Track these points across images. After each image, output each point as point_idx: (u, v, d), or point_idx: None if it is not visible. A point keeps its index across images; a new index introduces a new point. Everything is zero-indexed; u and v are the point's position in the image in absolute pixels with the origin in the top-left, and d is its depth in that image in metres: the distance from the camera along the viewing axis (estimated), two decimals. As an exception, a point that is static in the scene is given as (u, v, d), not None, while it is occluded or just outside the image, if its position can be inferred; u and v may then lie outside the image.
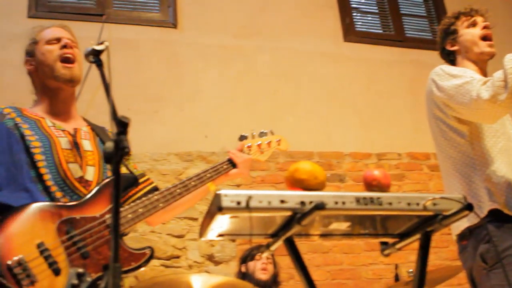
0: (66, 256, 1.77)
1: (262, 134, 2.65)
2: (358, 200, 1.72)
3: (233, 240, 4.60)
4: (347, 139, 5.42)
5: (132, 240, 3.67)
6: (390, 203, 1.74)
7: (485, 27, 2.80)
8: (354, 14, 6.31)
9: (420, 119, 5.09)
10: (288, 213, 1.65)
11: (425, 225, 1.85)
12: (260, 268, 3.95)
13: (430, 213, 1.79)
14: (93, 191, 1.98)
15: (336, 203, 1.68)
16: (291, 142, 4.97)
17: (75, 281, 1.72)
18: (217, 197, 1.59)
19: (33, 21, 5.11)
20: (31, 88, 2.28)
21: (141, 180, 2.31)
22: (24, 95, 2.31)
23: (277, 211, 1.64)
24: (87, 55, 2.01)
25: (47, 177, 1.97)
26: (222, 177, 2.39)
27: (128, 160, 2.32)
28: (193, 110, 5.16)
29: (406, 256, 4.77)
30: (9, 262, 1.66)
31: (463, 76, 2.55)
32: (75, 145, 2.11)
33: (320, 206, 1.57)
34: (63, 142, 2.07)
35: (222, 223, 1.70)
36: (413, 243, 1.93)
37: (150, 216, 2.06)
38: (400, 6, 6.56)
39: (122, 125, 1.50)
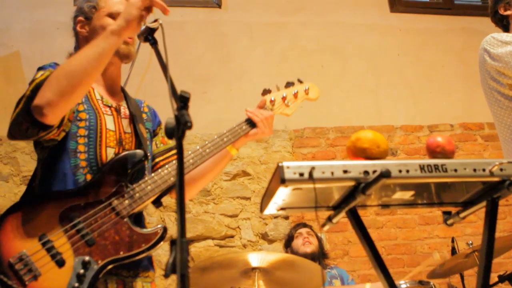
0: (70, 245, 1.70)
1: (288, 85, 2.38)
2: (422, 167, 1.67)
3: (287, 218, 4.60)
4: (398, 112, 5.32)
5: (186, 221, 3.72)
6: (455, 170, 1.69)
7: None
8: (400, -17, 6.16)
9: (472, 88, 4.98)
10: (352, 183, 1.62)
11: (491, 192, 1.79)
12: (302, 243, 3.96)
13: (497, 179, 1.73)
14: (99, 174, 1.88)
15: (400, 171, 1.64)
16: (340, 117, 4.98)
17: (81, 270, 1.67)
18: (279, 169, 1.57)
19: (80, 8, 5.18)
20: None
21: (171, 153, 2.20)
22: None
23: (340, 181, 1.61)
24: (140, 35, 1.98)
25: (83, 156, 1.90)
26: (242, 139, 2.20)
27: (157, 135, 2.23)
28: (241, 89, 5.15)
29: (462, 229, 4.70)
30: (11, 259, 1.63)
31: None
32: (118, 126, 2.04)
33: (386, 174, 1.53)
34: (109, 121, 2.00)
35: (284, 195, 1.68)
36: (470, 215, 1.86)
37: (161, 192, 1.94)
38: (448, -28, 6.37)
39: (183, 100, 1.49)
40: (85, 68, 1.78)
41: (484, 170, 1.70)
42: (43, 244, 1.69)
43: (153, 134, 2.21)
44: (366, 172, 1.60)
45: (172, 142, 2.24)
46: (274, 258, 3.03)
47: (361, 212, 1.80)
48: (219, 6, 5.46)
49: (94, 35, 2.02)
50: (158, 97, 2.56)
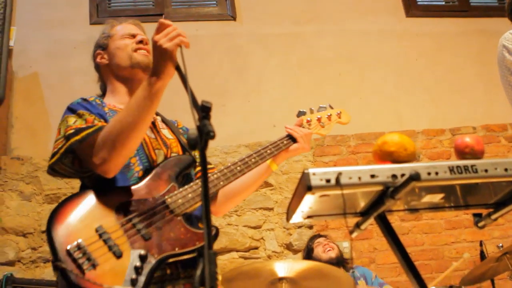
0: (126, 238, 1.73)
1: (321, 109, 2.54)
2: (451, 169, 1.63)
3: (311, 227, 4.56)
4: (418, 116, 5.27)
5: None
6: (486, 170, 1.65)
7: None
8: (414, -12, 6.13)
9: (493, 89, 4.92)
10: (380, 188, 1.59)
11: (522, 192, 1.74)
12: (323, 250, 3.99)
13: (530, 178, 1.68)
14: (152, 174, 1.95)
15: (429, 173, 1.60)
16: (360, 124, 4.93)
17: (138, 263, 1.68)
18: (305, 176, 1.54)
19: (96, 27, 5.20)
20: (98, 81, 2.29)
21: (212, 165, 2.29)
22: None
23: (368, 186, 1.58)
24: None
25: (134, 160, 1.97)
26: (283, 154, 2.29)
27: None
28: (259, 100, 5.15)
29: (490, 232, 4.63)
30: (69, 247, 1.65)
31: None
32: (157, 134, 2.13)
33: (415, 177, 1.49)
34: (148, 131, 2.07)
35: (310, 203, 1.65)
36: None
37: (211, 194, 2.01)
38: (462, -26, 6.33)
39: (204, 110, 1.48)
40: (135, 127, 1.83)
41: (516, 170, 1.66)
42: (100, 235, 1.71)
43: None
44: (394, 176, 1.57)
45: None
46: (301, 267, 3.00)
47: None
48: (234, 18, 5.47)
49: (114, 59, 2.18)
50: (176, 111, 2.57)
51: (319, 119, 2.47)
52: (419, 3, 6.04)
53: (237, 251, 4.43)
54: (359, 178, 1.56)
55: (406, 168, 1.58)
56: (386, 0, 5.90)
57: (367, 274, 3.98)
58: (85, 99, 2.06)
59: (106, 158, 1.80)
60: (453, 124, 5.22)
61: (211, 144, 4.62)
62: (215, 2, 5.59)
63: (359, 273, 3.99)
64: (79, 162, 1.91)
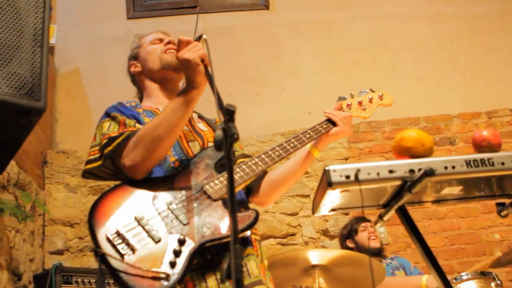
0: (164, 224, 1.79)
1: (362, 93, 2.48)
2: (468, 162, 1.68)
3: (347, 214, 4.62)
4: (454, 99, 5.25)
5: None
6: (503, 163, 1.69)
7: None
8: (449, -31, 6.05)
9: (531, 69, 4.87)
10: (398, 182, 1.66)
11: (544, 183, 1.78)
12: (368, 237, 3.98)
13: (548, 170, 1.72)
14: (189, 163, 2.02)
15: (446, 168, 1.66)
16: (395, 109, 4.93)
17: (177, 247, 1.73)
18: (326, 173, 1.62)
19: (133, 22, 5.37)
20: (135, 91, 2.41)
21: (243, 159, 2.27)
22: (133, 94, 2.45)
23: (386, 181, 1.65)
24: None
25: (169, 153, 2.05)
26: (323, 138, 2.24)
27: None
28: (294, 88, 5.21)
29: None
30: (108, 234, 1.74)
31: None
32: (192, 127, 2.21)
33: (429, 173, 1.56)
34: None
35: (333, 197, 1.73)
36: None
37: (250, 180, 2.03)
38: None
39: (229, 113, 1.56)
40: (169, 134, 1.93)
41: (533, 161, 1.71)
42: (139, 222, 1.78)
43: None
44: (411, 171, 1.63)
45: (248, 152, 2.37)
46: (334, 255, 3.08)
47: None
48: (267, 7, 5.54)
49: (146, 65, 2.29)
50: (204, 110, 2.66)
51: (360, 103, 2.42)
52: (453, -17, 5.96)
53: (275, 237, 4.53)
54: (378, 173, 1.63)
55: (423, 163, 1.65)
56: (419, -18, 5.85)
57: (406, 264, 3.99)
58: (120, 103, 2.17)
59: (137, 160, 1.90)
60: (490, 107, 5.17)
61: (247, 133, 4.77)
62: (249, -9, 5.66)
63: (398, 263, 4.01)
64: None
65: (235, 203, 1.36)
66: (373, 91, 2.51)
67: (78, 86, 5.13)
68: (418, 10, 5.71)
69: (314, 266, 3.04)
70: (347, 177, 1.62)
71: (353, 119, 2.39)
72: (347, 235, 4.07)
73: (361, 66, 5.34)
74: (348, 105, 2.40)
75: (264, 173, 2.27)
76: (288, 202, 4.62)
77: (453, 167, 1.67)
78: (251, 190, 2.25)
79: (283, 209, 4.61)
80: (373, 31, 5.54)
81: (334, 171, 1.62)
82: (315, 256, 3.02)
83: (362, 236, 3.99)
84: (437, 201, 1.93)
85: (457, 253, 4.55)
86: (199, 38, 2.03)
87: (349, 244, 4.04)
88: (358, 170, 1.62)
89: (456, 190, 1.80)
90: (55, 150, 4.76)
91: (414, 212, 4.55)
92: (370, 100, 2.46)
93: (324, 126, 2.26)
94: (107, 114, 2.10)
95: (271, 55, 5.36)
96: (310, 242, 4.54)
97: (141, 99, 2.35)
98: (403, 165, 1.64)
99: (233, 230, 1.31)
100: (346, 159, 4.82)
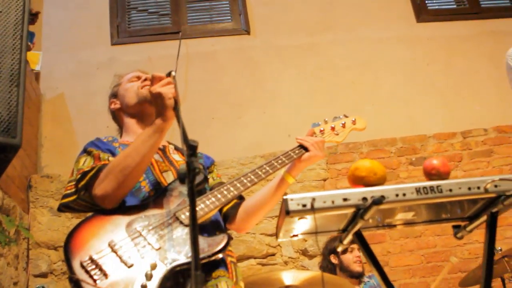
0: (137, 249, 1.88)
1: (335, 119, 2.53)
2: (418, 190, 1.80)
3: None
4: (430, 120, 5.39)
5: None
6: (451, 190, 1.81)
7: None
8: (425, -8, 6.25)
9: (505, 90, 4.98)
10: (352, 210, 1.77)
11: (490, 207, 1.90)
12: (354, 260, 4.02)
13: (493, 195, 1.84)
14: (163, 192, 2.10)
15: (397, 195, 1.77)
16: (372, 131, 5.06)
17: (149, 272, 1.81)
18: (284, 201, 1.73)
19: (117, 48, 5.50)
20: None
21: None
22: (115, 120, 2.54)
23: (341, 209, 1.76)
24: None
25: (144, 183, 2.15)
26: (297, 164, 2.31)
27: (213, 171, 2.47)
28: (275, 111, 5.33)
29: (502, 232, 4.72)
30: (82, 260, 1.82)
31: None
32: (166, 158, 2.32)
33: (377, 201, 1.68)
34: (156, 156, 2.26)
35: (292, 224, 1.83)
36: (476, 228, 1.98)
37: (222, 205, 2.11)
38: (473, -24, 6.41)
39: (191, 148, 1.66)
40: (138, 163, 2.03)
41: (478, 188, 1.82)
42: (112, 248, 1.86)
43: (208, 170, 2.43)
44: (364, 199, 1.75)
45: (228, 175, 2.47)
46: (307, 276, 3.17)
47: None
48: (248, 32, 5.68)
49: (124, 101, 2.40)
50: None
51: (333, 128, 2.47)
52: (429, 7, 6.14)
53: (255, 258, 4.62)
54: (333, 201, 1.74)
55: (376, 191, 1.77)
56: (397, 7, 6.02)
57: None
58: (98, 138, 2.30)
59: (108, 190, 1.99)
60: (465, 127, 5.31)
61: (228, 156, 4.87)
62: (230, 17, 5.80)
63: (375, 282, 4.04)
64: None
65: (197, 232, 1.46)
66: (346, 116, 2.56)
67: (63, 111, 5.23)
68: (396, 33, 5.87)
69: (288, 287, 3.14)
70: (304, 205, 1.73)
71: (327, 144, 2.47)
72: (333, 250, 4.08)
73: (341, 89, 5.48)
74: (321, 131, 2.46)
75: (241, 200, 2.37)
76: (268, 223, 4.72)
77: (404, 195, 1.78)
78: (228, 217, 2.34)
79: (263, 230, 4.70)
80: (352, 55, 5.69)
81: (292, 200, 1.73)
82: (289, 277, 3.11)
83: (348, 257, 4.02)
84: (393, 225, 2.05)
85: (433, 271, 4.65)
86: (168, 75, 2.14)
87: (333, 259, 4.08)
88: (314, 199, 1.73)
89: (408, 215, 1.92)
90: (39, 175, 4.84)
91: (391, 231, 4.67)
92: (343, 125, 2.51)
93: (297, 151, 2.32)
94: (84, 150, 2.22)
95: (252, 79, 5.49)
96: (290, 262, 4.63)
97: (121, 135, 2.45)
98: (356, 193, 1.76)
99: (193, 258, 1.39)
100: (325, 180, 4.93)
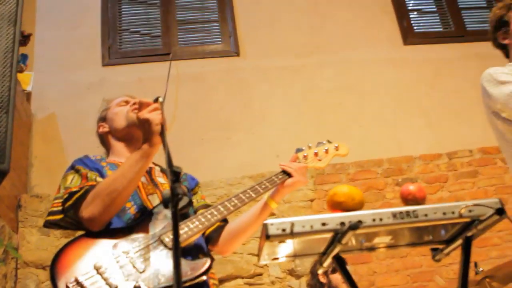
0: (121, 272, 1.92)
1: (319, 144, 2.60)
2: (394, 215, 1.86)
3: (312, 253, 4.74)
4: (416, 142, 5.47)
5: (215, 262, 3.93)
6: (426, 215, 1.87)
7: None
8: (412, 16, 6.35)
9: (489, 112, 5.10)
10: (331, 234, 1.83)
11: (465, 231, 1.97)
12: (343, 280, 4.03)
13: (467, 220, 1.91)
14: (148, 215, 2.15)
15: (374, 220, 1.84)
16: (359, 152, 5.16)
17: None
18: (264, 226, 1.79)
19: (108, 69, 5.57)
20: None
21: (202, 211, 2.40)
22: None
23: (319, 233, 1.82)
24: None
25: (130, 205, 2.21)
26: (280, 189, 2.39)
27: (197, 193, 2.53)
28: (263, 132, 5.40)
29: (487, 252, 4.78)
30: (68, 282, 1.86)
31: (511, 82, 2.57)
32: (152, 181, 2.37)
33: (354, 227, 1.74)
34: (142, 179, 2.31)
35: (273, 248, 1.89)
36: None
37: (205, 231, 2.19)
38: (459, 0, 6.53)
39: (175, 174, 1.73)
40: (125, 187, 2.08)
41: (453, 212, 1.89)
42: (97, 270, 1.90)
43: (192, 192, 2.49)
44: (342, 224, 1.81)
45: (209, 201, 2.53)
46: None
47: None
48: (238, 54, 5.77)
49: (112, 125, 2.47)
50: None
51: (316, 154, 2.53)
52: (416, 30, 6.26)
53: (242, 277, 4.65)
54: (311, 226, 1.81)
55: (353, 216, 1.83)
56: (384, 30, 6.13)
57: None
58: (86, 156, 2.36)
59: (95, 213, 2.04)
60: (450, 148, 5.39)
61: (216, 176, 4.92)
62: (219, 39, 5.89)
63: None
64: None
65: (179, 256, 1.52)
66: (330, 142, 2.63)
67: (54, 131, 5.28)
68: (383, 56, 5.97)
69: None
70: (283, 230, 1.79)
71: (311, 169, 2.55)
72: (323, 273, 4.09)
73: (328, 110, 5.56)
74: (304, 156, 2.52)
75: (224, 223, 2.42)
76: (255, 243, 4.75)
77: (381, 219, 1.84)
78: (211, 239, 2.40)
79: (251, 250, 4.74)
80: (339, 76, 5.79)
81: (272, 224, 1.79)
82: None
83: (337, 278, 4.03)
84: (372, 249, 2.11)
85: (419, 291, 4.71)
86: (156, 100, 2.20)
87: (321, 278, 4.08)
88: (293, 224, 1.79)
89: (386, 239, 1.98)
90: (29, 194, 4.87)
91: (378, 252, 4.70)
92: (326, 151, 2.57)
93: (280, 177, 2.39)
94: (72, 167, 2.27)
95: (241, 100, 5.56)
96: (277, 282, 4.67)
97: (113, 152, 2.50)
98: (334, 218, 1.81)
99: (175, 282, 1.46)
100: (312, 200, 4.99)
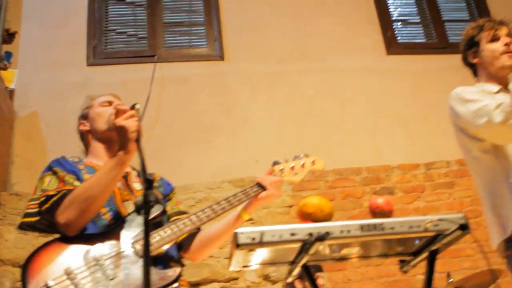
0: (92, 278, 1.95)
1: (296, 158, 2.61)
2: (362, 227, 1.91)
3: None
4: (395, 151, 5.54)
5: (192, 266, 3.97)
6: (393, 228, 1.93)
7: (506, 44, 2.81)
8: (395, 26, 6.44)
9: (467, 125, 5.18)
10: (299, 244, 1.88)
11: (430, 245, 2.03)
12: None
13: (432, 234, 1.97)
14: (122, 221, 2.17)
15: (342, 231, 1.89)
16: (339, 160, 5.22)
17: None
18: (235, 234, 1.84)
19: (93, 69, 5.58)
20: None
21: (177, 217, 2.45)
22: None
23: (288, 243, 1.86)
24: None
25: (105, 210, 2.23)
26: (253, 202, 2.42)
27: (171, 199, 2.57)
28: (245, 137, 5.44)
29: (460, 263, 4.85)
30: (38, 286, 1.90)
31: (477, 100, 2.63)
32: (128, 187, 2.40)
33: (321, 238, 1.79)
34: (118, 184, 2.33)
35: (243, 256, 1.94)
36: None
37: (177, 239, 2.22)
38: (442, 13, 6.64)
39: (148, 182, 1.77)
40: (100, 193, 2.11)
41: (419, 226, 1.95)
42: (68, 275, 1.93)
43: (166, 198, 2.53)
44: (310, 234, 1.86)
45: (183, 207, 2.57)
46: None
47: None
48: (222, 58, 5.81)
49: (93, 124, 2.48)
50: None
51: (292, 167, 2.55)
52: (399, 41, 6.34)
53: (218, 281, 4.68)
54: (281, 236, 1.86)
55: (322, 227, 1.88)
56: (368, 39, 6.21)
57: None
58: (63, 157, 2.38)
59: (71, 218, 2.07)
60: (428, 159, 5.47)
61: (196, 180, 4.95)
62: (205, 43, 5.93)
63: None
64: None
65: (149, 265, 1.56)
66: (307, 156, 2.65)
67: (36, 129, 5.29)
68: (366, 64, 6.05)
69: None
70: (253, 239, 1.84)
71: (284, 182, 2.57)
72: (300, 276, 4.18)
73: (310, 117, 5.61)
74: (280, 170, 2.55)
75: (197, 230, 2.45)
76: (233, 248, 4.79)
77: (349, 231, 1.90)
78: (183, 246, 2.44)
79: (227, 254, 4.69)
80: (322, 84, 5.84)
81: (242, 233, 1.83)
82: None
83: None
84: (341, 259, 2.16)
85: (393, 299, 4.77)
86: (133, 107, 2.23)
87: (298, 285, 4.13)
88: (262, 233, 1.84)
89: (354, 251, 2.04)
90: (9, 192, 4.87)
91: (354, 260, 4.76)
92: (303, 165, 2.59)
93: (255, 189, 2.42)
94: (50, 168, 2.28)
95: (224, 104, 5.60)
96: (252, 287, 4.70)
97: (86, 156, 2.51)
98: (303, 229, 1.86)
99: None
100: (290, 206, 5.02)
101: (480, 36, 2.92)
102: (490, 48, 2.87)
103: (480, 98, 2.66)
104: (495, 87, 2.81)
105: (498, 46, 2.84)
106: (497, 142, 2.65)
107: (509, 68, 2.83)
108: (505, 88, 2.77)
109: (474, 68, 3.06)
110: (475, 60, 2.98)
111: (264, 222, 4.89)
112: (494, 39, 2.87)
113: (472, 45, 2.96)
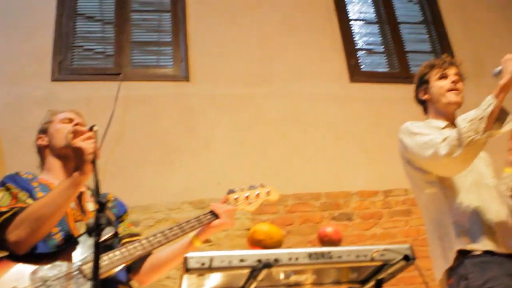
0: None
1: (251, 187, 2.73)
2: (310, 255, 1.97)
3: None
4: (355, 178, 5.62)
5: (148, 286, 3.93)
6: (340, 256, 1.99)
7: (454, 81, 3.00)
8: (359, 55, 6.58)
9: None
10: (248, 270, 1.92)
11: (376, 274, 2.09)
12: None
13: (379, 263, 2.03)
14: (72, 243, 2.20)
15: (290, 259, 1.94)
16: (299, 184, 5.27)
17: None
18: (184, 259, 1.87)
19: (57, 84, 5.55)
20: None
21: (137, 237, 2.51)
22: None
23: (237, 269, 1.91)
24: None
25: (56, 230, 2.24)
26: (206, 229, 2.49)
27: (124, 221, 2.60)
28: (207, 158, 5.46)
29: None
30: None
31: (424, 134, 2.77)
32: (80, 207, 2.42)
33: (268, 265, 1.84)
34: (72, 204, 2.35)
35: (194, 280, 1.97)
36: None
37: (127, 263, 2.24)
38: (405, 44, 6.81)
39: (101, 204, 1.80)
40: (53, 213, 2.13)
41: (366, 256, 2.01)
42: None
43: (119, 220, 2.56)
44: (259, 261, 1.91)
45: (136, 229, 2.61)
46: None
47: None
48: (188, 79, 5.84)
49: (52, 140, 2.53)
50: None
51: (247, 197, 2.66)
52: (363, 69, 6.47)
53: (175, 303, 4.69)
54: (230, 261, 1.90)
55: (271, 254, 1.93)
56: (332, 66, 6.31)
57: None
58: (17, 173, 2.39)
59: (21, 236, 2.08)
60: (387, 186, 5.57)
61: (156, 200, 4.94)
62: (172, 63, 5.96)
63: None
64: None
65: (98, 286, 1.59)
66: (263, 186, 2.76)
67: (-4, 144, 5.22)
68: (329, 91, 6.13)
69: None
70: (203, 264, 1.87)
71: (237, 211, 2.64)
72: None
73: (273, 141, 5.66)
74: (235, 199, 2.65)
75: (147, 253, 2.47)
76: (190, 269, 4.78)
77: (297, 259, 1.95)
78: (133, 268, 2.48)
79: (185, 276, 4.76)
80: (285, 108, 5.91)
81: (192, 258, 1.87)
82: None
83: None
84: (292, 285, 2.21)
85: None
86: (91, 129, 2.26)
87: None
88: (212, 259, 1.88)
89: (302, 277, 2.09)
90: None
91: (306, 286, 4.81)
92: (257, 195, 2.70)
93: (208, 217, 2.50)
94: (3, 184, 2.29)
95: (188, 125, 5.62)
96: (208, 309, 4.70)
97: (41, 171, 2.54)
98: (252, 255, 1.91)
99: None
100: (249, 229, 5.04)
101: (430, 74, 3.10)
102: (438, 85, 3.04)
103: (427, 132, 2.79)
104: (443, 123, 2.95)
105: (446, 83, 3.03)
106: (442, 174, 2.76)
107: (455, 104, 3.00)
108: (451, 124, 2.90)
109: (424, 105, 3.21)
110: (425, 97, 3.15)
111: (222, 245, 4.92)
112: (443, 76, 3.05)
113: (423, 82, 3.14)
